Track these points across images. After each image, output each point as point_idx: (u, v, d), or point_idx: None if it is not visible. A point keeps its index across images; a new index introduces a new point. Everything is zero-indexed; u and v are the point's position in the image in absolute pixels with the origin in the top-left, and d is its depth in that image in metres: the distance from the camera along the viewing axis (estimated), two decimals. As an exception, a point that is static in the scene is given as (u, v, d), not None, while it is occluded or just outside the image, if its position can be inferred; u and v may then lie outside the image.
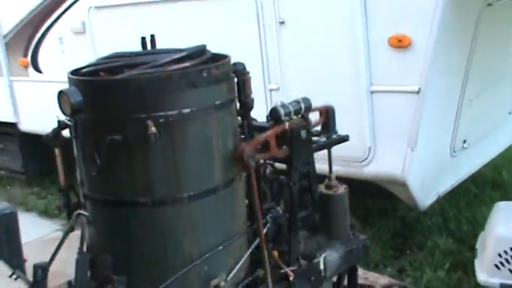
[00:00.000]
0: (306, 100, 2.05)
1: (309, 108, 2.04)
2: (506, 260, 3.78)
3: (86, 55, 5.58)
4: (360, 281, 2.38)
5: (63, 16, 5.84)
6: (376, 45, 3.91)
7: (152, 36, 2.02)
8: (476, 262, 4.02)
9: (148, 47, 2.03)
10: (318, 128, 2.25)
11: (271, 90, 4.47)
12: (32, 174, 7.03)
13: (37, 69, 6.36)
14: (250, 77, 2.04)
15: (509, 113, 5.26)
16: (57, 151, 2.04)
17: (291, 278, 1.97)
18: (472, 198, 5.35)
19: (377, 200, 5.19)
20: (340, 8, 4.00)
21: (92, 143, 1.88)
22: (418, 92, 3.81)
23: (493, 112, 4.98)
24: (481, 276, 3.89)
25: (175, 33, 4.14)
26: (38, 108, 6.36)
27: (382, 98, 3.99)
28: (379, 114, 4.03)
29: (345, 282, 2.27)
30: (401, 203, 4.71)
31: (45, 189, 6.83)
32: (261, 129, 2.04)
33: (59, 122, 2.04)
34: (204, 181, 1.88)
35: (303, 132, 1.98)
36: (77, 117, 1.86)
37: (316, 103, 4.29)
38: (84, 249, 1.85)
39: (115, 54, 2.04)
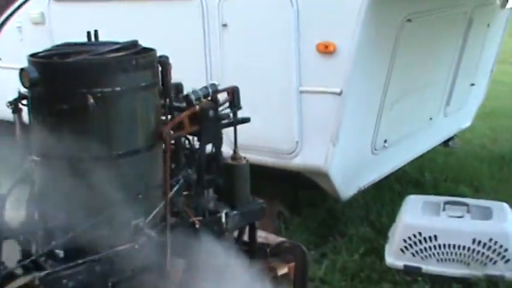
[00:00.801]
0: (213, 85, 2.53)
1: (215, 92, 2.51)
2: (410, 245, 4.30)
3: (44, 44, 5.91)
4: (260, 240, 2.83)
5: (23, 6, 6.14)
6: (306, 50, 4.37)
7: (96, 31, 2.49)
8: (386, 247, 4.54)
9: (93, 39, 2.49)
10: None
11: (212, 86, 4.89)
12: None
13: (-5, 56, 6.64)
14: (171, 66, 2.52)
15: (430, 119, 5.79)
16: (15, 117, 2.48)
17: (197, 226, 2.44)
18: (395, 195, 5.85)
19: (307, 193, 5.64)
20: (275, 15, 4.45)
21: (45, 111, 2.36)
22: (340, 94, 4.28)
23: (415, 116, 5.50)
24: (389, 259, 4.42)
25: (126, 29, 4.53)
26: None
27: (310, 97, 4.44)
28: (306, 112, 4.48)
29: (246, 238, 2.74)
30: (330, 197, 5.17)
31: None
32: (180, 109, 2.51)
33: (19, 92, 2.47)
34: (129, 144, 2.38)
35: (210, 112, 2.44)
36: (33, 89, 2.31)
37: (252, 100, 4.78)
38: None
39: (66, 43, 2.50)
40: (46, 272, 2.16)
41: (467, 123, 6.80)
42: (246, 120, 2.68)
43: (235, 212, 2.57)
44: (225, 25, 4.68)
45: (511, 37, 7.87)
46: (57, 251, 2.27)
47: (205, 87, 2.51)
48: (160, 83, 2.49)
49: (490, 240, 4.09)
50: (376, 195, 5.75)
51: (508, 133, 8.23)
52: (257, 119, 4.63)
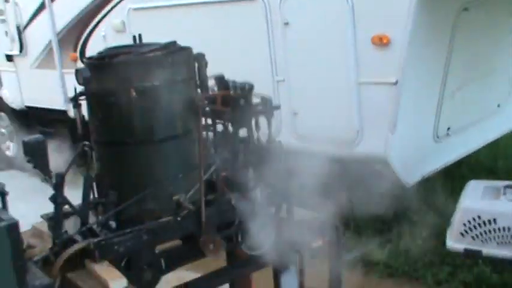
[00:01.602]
0: (249, 84, 2.81)
1: (250, 90, 2.78)
2: (470, 228, 4.40)
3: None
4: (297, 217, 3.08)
5: (107, 16, 6.66)
6: (362, 43, 4.57)
7: (140, 35, 2.85)
8: (448, 231, 4.65)
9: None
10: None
11: (278, 81, 5.18)
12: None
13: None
14: (207, 63, 2.83)
15: (498, 106, 5.82)
16: (75, 111, 2.87)
17: (233, 201, 2.74)
18: (465, 183, 5.91)
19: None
20: (332, 11, 4.68)
21: (97, 103, 2.76)
22: (395, 84, 4.45)
23: (480, 104, 5.56)
24: (449, 243, 4.53)
25: (199, 34, 4.91)
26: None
27: (367, 88, 4.64)
28: (365, 102, 4.68)
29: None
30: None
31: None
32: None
33: (75, 90, 2.86)
34: (169, 129, 2.73)
35: (242, 100, 2.72)
36: (87, 86, 2.69)
37: (315, 93, 5.01)
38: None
39: (116, 46, 2.87)
40: (100, 238, 2.52)
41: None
42: (276, 107, 2.93)
43: (269, 189, 2.86)
44: (286, 23, 4.95)
45: None
46: (110, 222, 2.63)
47: (243, 82, 2.80)
48: (197, 76, 2.82)
49: (549, 222, 4.14)
50: (445, 182, 5.83)
51: None
52: (320, 111, 4.95)
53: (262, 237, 2.73)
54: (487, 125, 5.72)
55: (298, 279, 3.05)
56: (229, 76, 2.89)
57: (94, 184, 2.73)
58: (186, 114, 2.71)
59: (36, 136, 2.60)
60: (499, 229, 4.30)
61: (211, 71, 2.97)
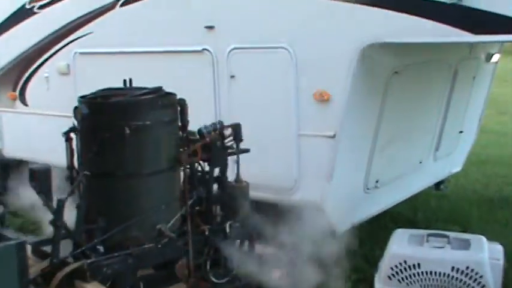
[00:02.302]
0: (220, 122, 3.12)
1: (222, 127, 3.10)
2: (396, 272, 4.77)
3: (69, 92, 6.56)
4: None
5: (51, 59, 6.80)
6: (304, 98, 4.95)
7: (130, 79, 3.12)
8: (376, 276, 5.00)
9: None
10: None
11: (221, 131, 5.46)
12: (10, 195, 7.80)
13: (24, 102, 7.27)
14: (187, 107, 3.13)
15: (420, 163, 6.31)
16: (67, 144, 3.08)
17: (206, 233, 3.00)
18: (388, 232, 6.32)
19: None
20: (277, 69, 5.05)
21: (91, 138, 2.98)
22: (333, 137, 4.83)
23: (405, 160, 6.02)
24: (378, 285, 4.88)
25: (147, 81, 5.14)
26: (22, 137, 7.27)
27: (307, 140, 5.00)
28: (304, 153, 5.03)
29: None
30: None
31: (21, 209, 7.61)
32: (194, 140, 3.11)
33: (70, 127, 3.07)
34: (156, 165, 3.04)
35: (218, 142, 3.02)
36: (84, 122, 2.92)
37: (256, 142, 5.31)
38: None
39: (107, 88, 3.13)
40: (92, 260, 2.72)
41: (457, 168, 7.30)
42: (246, 150, 3.24)
43: (237, 224, 3.14)
44: (232, 76, 5.27)
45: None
46: (98, 246, 2.83)
47: (214, 123, 3.10)
48: (179, 119, 3.11)
49: (467, 268, 4.56)
50: (371, 232, 6.23)
51: (499, 179, 8.73)
52: (261, 160, 5.25)
53: (229, 266, 2.97)
54: (411, 179, 6.19)
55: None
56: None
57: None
58: (173, 151, 2.98)
59: (42, 164, 2.78)
60: (422, 273, 4.69)
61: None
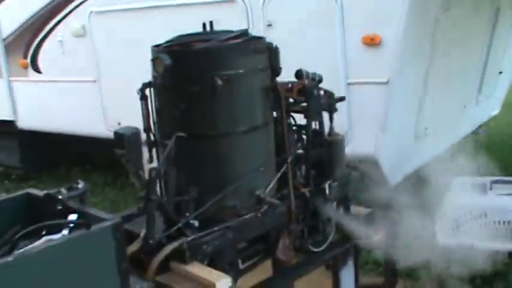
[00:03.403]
0: (319, 74, 2.75)
1: (321, 79, 2.73)
2: (462, 223, 4.49)
3: (86, 56, 6.17)
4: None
5: (64, 20, 6.37)
6: (351, 44, 4.58)
7: (211, 22, 2.71)
8: (436, 228, 4.72)
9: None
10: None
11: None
12: (29, 169, 7.49)
13: (36, 69, 6.87)
14: (279, 51, 2.75)
15: (464, 107, 5.99)
16: (142, 103, 2.68)
17: (307, 195, 2.66)
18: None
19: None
20: (320, 13, 4.66)
21: (177, 93, 2.58)
22: (387, 83, 4.49)
23: (452, 104, 5.70)
24: (440, 238, 4.59)
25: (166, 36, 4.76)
26: (36, 106, 6.89)
27: (357, 89, 4.65)
28: (354, 103, 4.69)
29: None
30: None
31: (41, 183, 7.30)
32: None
33: (143, 83, 2.68)
34: (251, 121, 2.63)
35: (315, 90, 2.66)
36: (167, 75, 2.52)
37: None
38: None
39: (183, 35, 2.72)
40: (191, 237, 2.37)
41: (496, 111, 6.99)
42: (342, 98, 2.89)
43: (335, 183, 2.81)
44: (270, 25, 4.89)
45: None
46: (191, 221, 2.47)
47: (314, 72, 2.75)
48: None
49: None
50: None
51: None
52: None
53: (328, 232, 2.66)
54: (455, 125, 5.88)
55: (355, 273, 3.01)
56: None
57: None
58: (267, 104, 2.61)
59: (129, 127, 2.40)
60: (490, 223, 4.41)
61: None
